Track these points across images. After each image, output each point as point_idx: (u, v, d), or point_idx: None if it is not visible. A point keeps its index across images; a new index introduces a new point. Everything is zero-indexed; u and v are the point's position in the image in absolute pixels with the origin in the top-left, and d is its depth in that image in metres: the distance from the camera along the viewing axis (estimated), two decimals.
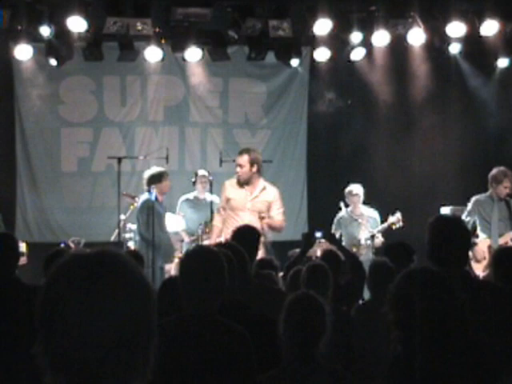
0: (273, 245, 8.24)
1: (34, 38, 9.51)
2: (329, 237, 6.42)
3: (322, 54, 10.51)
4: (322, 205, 10.63)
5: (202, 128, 11.20)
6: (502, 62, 10.61)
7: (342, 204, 9.33)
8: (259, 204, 8.00)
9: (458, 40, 10.15)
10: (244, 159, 7.96)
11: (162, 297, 3.84)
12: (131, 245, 8.96)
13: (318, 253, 7.45)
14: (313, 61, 10.93)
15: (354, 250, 8.62)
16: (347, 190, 9.48)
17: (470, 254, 7.54)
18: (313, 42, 10.36)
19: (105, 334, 1.39)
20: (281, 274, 6.10)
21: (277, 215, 8.07)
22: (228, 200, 8.05)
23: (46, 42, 9.65)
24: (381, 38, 9.89)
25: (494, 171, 8.44)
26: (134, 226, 8.91)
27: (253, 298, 4.27)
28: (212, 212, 8.60)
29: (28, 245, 8.36)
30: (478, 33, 9.75)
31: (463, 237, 3.85)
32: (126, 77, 10.88)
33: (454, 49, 10.40)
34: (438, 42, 10.33)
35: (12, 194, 10.54)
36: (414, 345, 2.77)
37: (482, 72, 10.92)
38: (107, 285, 1.41)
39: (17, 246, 4.92)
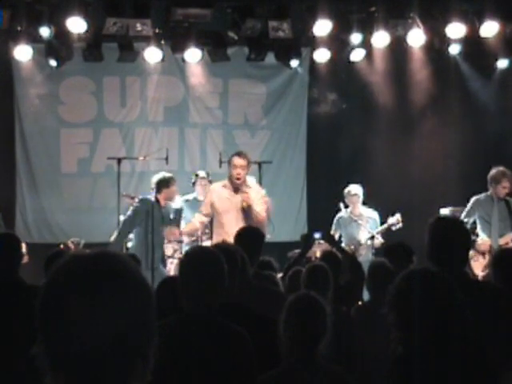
0: (273, 246, 8.23)
1: (34, 39, 9.51)
2: (327, 238, 6.43)
3: (322, 55, 10.52)
4: (321, 206, 10.63)
5: (201, 129, 11.20)
6: (502, 63, 10.61)
7: (341, 205, 9.34)
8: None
9: (458, 41, 10.16)
10: (245, 162, 7.84)
11: (161, 297, 3.84)
12: (131, 245, 8.96)
13: (318, 254, 7.46)
14: (312, 62, 10.93)
15: (353, 250, 8.63)
16: (346, 190, 9.49)
17: (470, 253, 7.54)
18: (312, 42, 10.37)
19: (104, 334, 1.39)
20: (280, 274, 6.10)
21: (261, 210, 7.89)
22: (213, 204, 7.91)
23: (45, 42, 9.66)
24: (380, 38, 9.90)
25: (493, 171, 8.44)
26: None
27: (252, 298, 4.27)
28: None
29: (28, 245, 8.35)
30: (478, 34, 9.76)
31: (463, 238, 3.85)
32: (125, 77, 10.88)
33: (454, 50, 10.41)
34: (437, 42, 10.34)
35: (11, 194, 10.53)
36: (414, 345, 2.77)
37: (482, 73, 10.92)
38: (107, 285, 1.42)
39: (20, 245, 4.93)
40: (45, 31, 9.24)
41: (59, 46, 9.75)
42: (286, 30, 9.55)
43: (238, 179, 7.77)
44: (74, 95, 10.70)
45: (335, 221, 9.52)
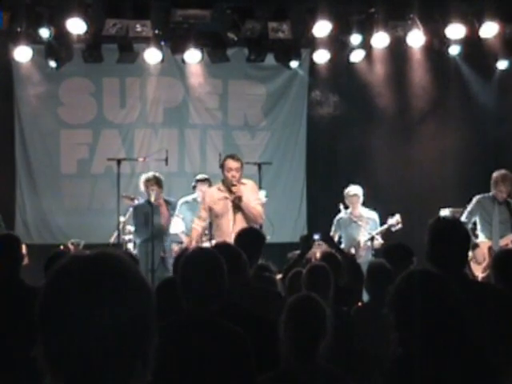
0: (272, 247, 8.22)
1: (34, 40, 9.52)
2: (326, 239, 6.42)
3: (322, 56, 10.52)
4: (321, 206, 10.62)
5: (201, 130, 11.20)
6: (502, 64, 10.62)
7: (341, 206, 9.34)
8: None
9: (458, 42, 10.16)
10: (239, 164, 7.75)
11: (161, 297, 3.84)
12: (130, 247, 8.97)
13: (318, 255, 7.45)
14: (312, 63, 10.93)
15: (351, 251, 8.63)
16: (346, 190, 9.49)
17: (470, 254, 7.54)
18: (312, 43, 10.37)
19: (105, 335, 1.39)
20: (279, 276, 6.09)
21: (256, 205, 7.80)
22: (210, 208, 7.86)
23: (45, 43, 9.66)
24: (380, 39, 9.91)
25: (495, 173, 8.43)
26: (133, 228, 8.91)
27: (251, 299, 4.27)
28: None
29: (27, 246, 8.35)
30: (478, 35, 9.76)
31: (463, 238, 3.84)
32: (125, 78, 10.89)
33: (454, 51, 10.42)
34: (437, 43, 10.34)
35: (11, 195, 10.54)
36: (414, 346, 2.77)
37: (482, 74, 10.92)
38: (107, 286, 1.42)
39: (20, 246, 4.92)
40: (44, 32, 9.24)
41: (59, 47, 9.76)
42: (286, 31, 9.55)
43: (234, 181, 7.66)
44: (73, 96, 10.70)
45: (335, 222, 9.52)
